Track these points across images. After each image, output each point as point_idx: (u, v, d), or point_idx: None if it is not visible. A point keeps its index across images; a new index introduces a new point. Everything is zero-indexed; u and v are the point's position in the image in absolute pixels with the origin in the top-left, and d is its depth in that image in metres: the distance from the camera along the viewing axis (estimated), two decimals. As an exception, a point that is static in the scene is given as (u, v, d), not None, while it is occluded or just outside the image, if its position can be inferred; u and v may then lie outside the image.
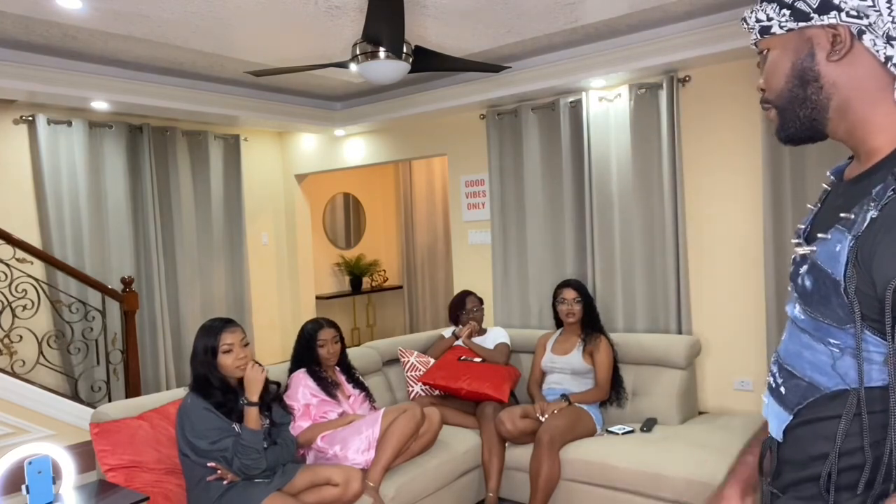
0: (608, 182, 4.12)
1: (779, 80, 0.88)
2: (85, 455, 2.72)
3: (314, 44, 3.67)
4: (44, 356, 4.18)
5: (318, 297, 6.39)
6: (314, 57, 3.82)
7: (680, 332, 3.86)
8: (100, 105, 4.33)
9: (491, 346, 3.99)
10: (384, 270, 7.37)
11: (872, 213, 0.78)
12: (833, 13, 0.80)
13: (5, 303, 4.00)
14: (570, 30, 3.64)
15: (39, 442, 2.67)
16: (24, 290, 4.09)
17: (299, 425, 3.03)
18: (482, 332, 4.12)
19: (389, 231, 7.58)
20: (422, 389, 3.90)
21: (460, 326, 4.08)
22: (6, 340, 4.01)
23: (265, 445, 2.52)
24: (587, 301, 3.74)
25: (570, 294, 3.70)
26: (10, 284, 4.03)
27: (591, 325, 3.71)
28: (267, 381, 2.67)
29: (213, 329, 2.60)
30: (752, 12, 0.91)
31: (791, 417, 0.90)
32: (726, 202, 3.77)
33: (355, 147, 5.64)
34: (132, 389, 4.32)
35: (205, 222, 5.39)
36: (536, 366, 3.81)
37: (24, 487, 2.23)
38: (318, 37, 3.56)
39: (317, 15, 3.25)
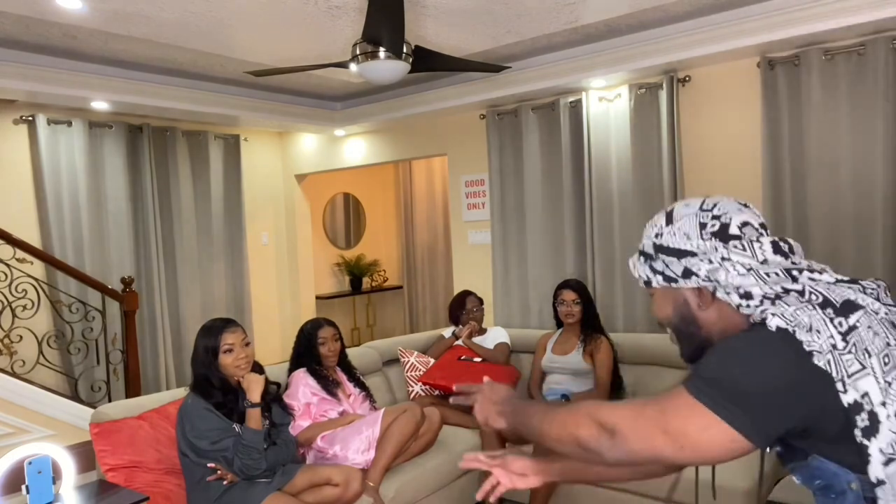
0: (608, 182, 4.12)
1: (666, 314, 1.16)
2: (85, 455, 2.71)
3: (314, 44, 3.67)
4: (44, 356, 4.18)
5: (318, 297, 6.39)
6: (314, 57, 3.82)
7: (680, 332, 3.85)
8: (100, 105, 4.33)
9: (491, 346, 3.99)
10: (384, 270, 7.37)
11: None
12: (693, 278, 1.07)
13: (5, 303, 4.00)
14: (570, 30, 3.64)
15: (39, 442, 2.67)
16: (24, 290, 4.09)
17: (299, 424, 3.03)
18: (482, 332, 4.12)
19: (389, 231, 7.58)
20: (422, 389, 3.90)
21: (460, 326, 4.08)
22: (6, 340, 4.01)
23: (265, 446, 2.52)
24: (587, 301, 3.74)
25: (569, 295, 3.70)
26: (10, 284, 4.03)
27: (591, 326, 3.71)
28: (267, 382, 2.67)
29: (214, 329, 2.60)
30: (633, 267, 1.19)
31: None
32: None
33: (355, 147, 5.64)
34: (132, 389, 4.32)
35: (205, 222, 5.39)
36: (536, 366, 3.81)
37: (24, 487, 2.23)
38: (318, 37, 3.56)
39: (317, 15, 3.25)
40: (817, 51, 3.34)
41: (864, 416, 0.92)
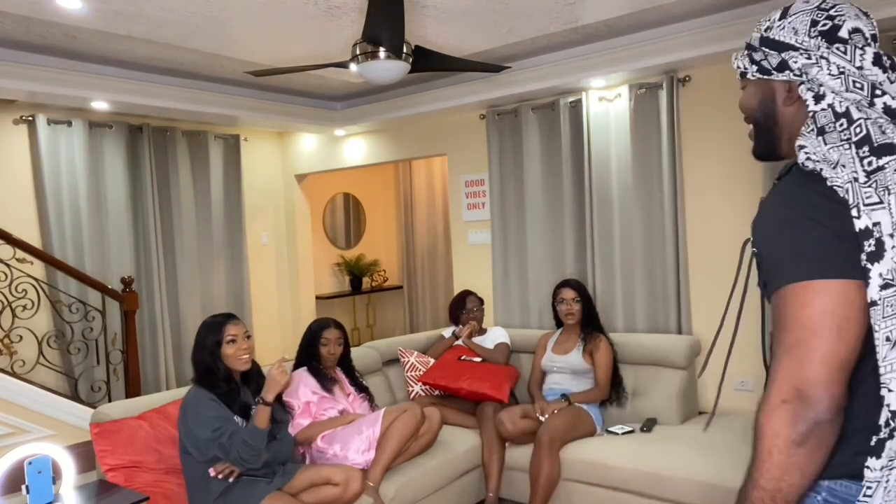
0: (608, 182, 4.12)
1: (751, 107, 1.22)
2: (85, 455, 2.72)
3: (314, 44, 3.67)
4: (44, 356, 4.18)
5: (318, 297, 6.39)
6: (314, 57, 3.82)
7: (680, 332, 3.86)
8: (100, 105, 4.33)
9: (491, 346, 3.99)
10: (384, 270, 7.37)
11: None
12: (787, 72, 1.11)
13: (5, 303, 4.00)
14: (570, 30, 3.64)
15: (39, 442, 2.67)
16: (24, 290, 4.09)
17: (299, 423, 3.04)
18: (482, 332, 4.12)
19: (389, 231, 7.58)
20: (422, 389, 3.90)
21: (460, 326, 4.08)
22: (6, 340, 4.01)
23: (266, 442, 2.53)
24: (586, 301, 3.74)
25: (569, 294, 3.70)
26: (10, 284, 4.03)
27: (590, 325, 3.71)
28: (261, 375, 2.71)
29: (217, 322, 2.66)
30: (734, 59, 1.23)
31: None
32: (726, 202, 3.77)
33: (355, 147, 5.64)
34: (132, 389, 4.33)
35: (205, 222, 5.39)
36: (536, 366, 3.81)
37: (24, 487, 2.23)
38: (318, 37, 3.56)
39: (317, 15, 3.25)
40: (817, 51, 3.33)
41: (872, 241, 0.97)
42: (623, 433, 3.40)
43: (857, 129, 1.02)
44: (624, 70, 3.81)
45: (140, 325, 4.75)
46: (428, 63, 3.14)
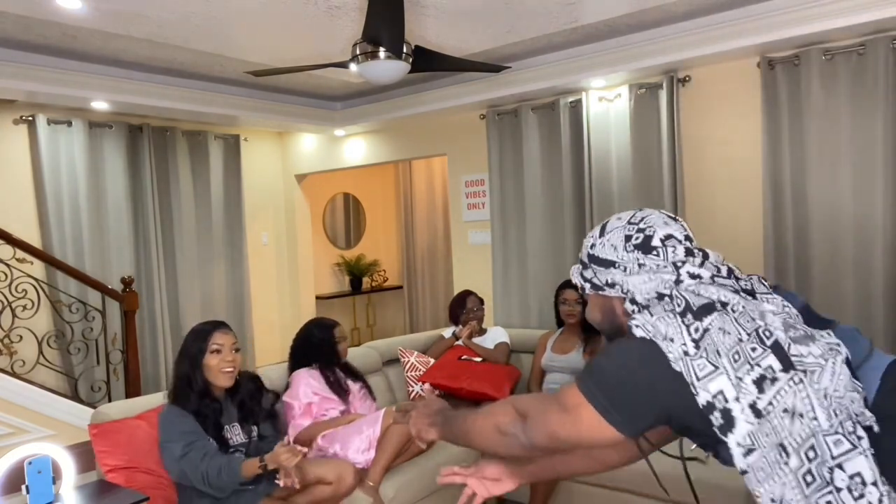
0: (608, 182, 4.12)
1: (596, 320, 1.30)
2: (85, 455, 2.71)
3: (314, 44, 3.67)
4: (44, 356, 4.18)
5: (318, 297, 6.39)
6: (314, 57, 3.82)
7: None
8: (100, 105, 4.33)
9: (491, 346, 3.99)
10: (384, 270, 7.37)
11: None
12: (616, 287, 1.20)
13: (5, 303, 4.00)
14: (570, 30, 3.64)
15: (39, 442, 2.67)
16: (24, 290, 4.09)
17: (300, 423, 3.03)
18: (482, 332, 4.12)
19: (389, 231, 7.58)
20: (422, 389, 3.90)
21: (460, 326, 4.08)
22: (6, 340, 4.01)
23: (241, 482, 2.42)
24: (588, 301, 3.74)
25: (571, 295, 3.70)
26: (10, 284, 4.03)
27: (591, 326, 3.70)
28: (263, 389, 2.66)
29: (205, 330, 2.54)
30: (572, 275, 1.31)
31: None
32: (726, 202, 3.77)
33: (355, 147, 5.64)
34: (132, 389, 4.33)
35: (205, 222, 5.39)
36: (536, 365, 3.81)
37: (24, 487, 2.22)
38: (318, 37, 3.56)
39: (317, 15, 3.25)
40: (817, 51, 3.34)
41: (718, 414, 1.01)
42: (623, 433, 3.39)
43: (678, 302, 1.09)
44: (624, 70, 3.81)
45: (140, 325, 4.75)
46: (428, 63, 3.14)
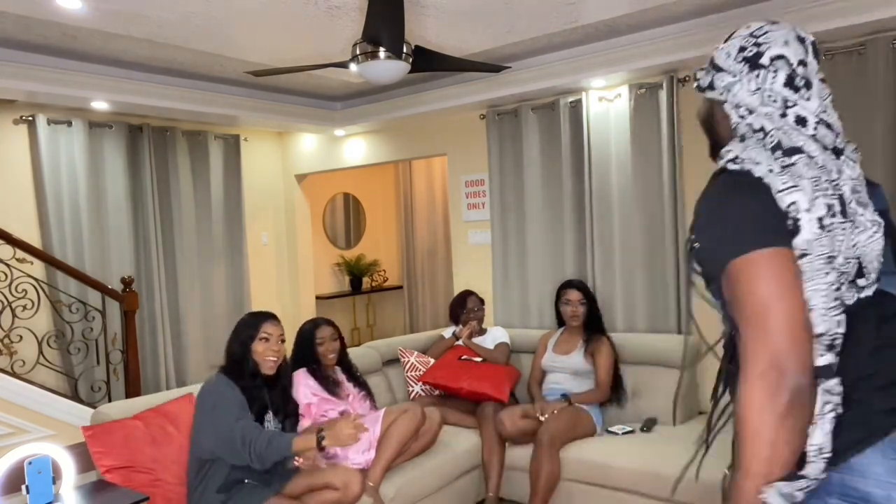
0: (608, 182, 4.12)
1: (700, 117, 1.37)
2: (85, 455, 2.71)
3: (314, 44, 3.67)
4: (44, 356, 4.18)
5: (318, 297, 6.39)
6: (314, 57, 3.82)
7: (680, 332, 3.86)
8: (100, 105, 4.33)
9: (491, 346, 3.99)
10: (384, 270, 7.37)
11: None
12: (714, 91, 1.27)
13: (5, 303, 4.00)
14: (570, 30, 3.64)
15: (39, 442, 2.67)
16: (24, 290, 4.09)
17: (300, 425, 3.03)
18: (482, 332, 4.12)
19: (389, 231, 7.58)
20: (422, 389, 3.90)
21: (460, 326, 4.08)
22: (6, 340, 4.01)
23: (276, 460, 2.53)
24: (591, 302, 3.74)
25: (574, 296, 3.70)
26: (10, 284, 4.03)
27: (593, 327, 3.71)
28: (287, 388, 2.78)
29: (255, 319, 2.74)
30: (696, 73, 1.37)
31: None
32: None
33: (355, 147, 5.64)
34: (132, 389, 4.32)
35: (205, 222, 5.39)
36: (537, 365, 3.81)
37: (24, 487, 2.23)
38: (318, 37, 3.56)
39: (317, 15, 3.25)
40: (817, 51, 3.33)
41: (790, 221, 1.05)
42: (623, 433, 3.40)
43: (770, 140, 1.12)
44: (624, 70, 3.81)
45: (140, 325, 4.75)
46: (428, 63, 3.14)
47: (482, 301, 4.21)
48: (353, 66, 3.01)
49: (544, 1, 3.20)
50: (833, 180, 1.09)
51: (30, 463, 2.23)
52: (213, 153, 5.45)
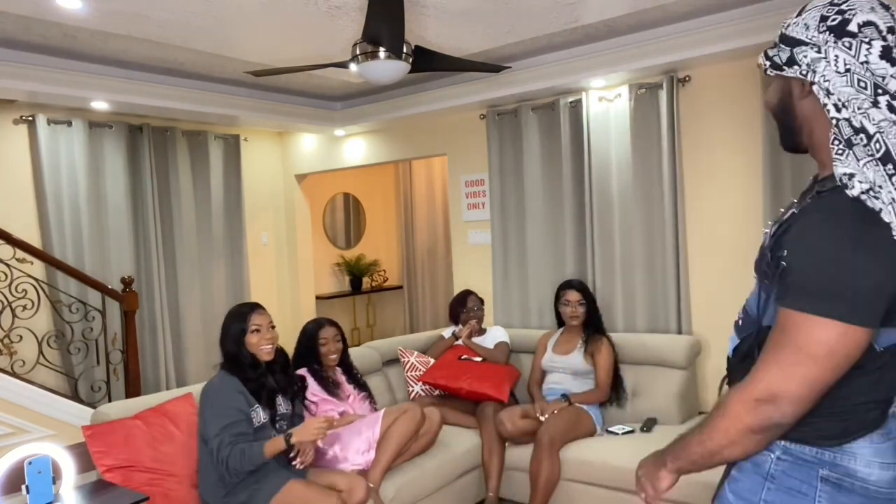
0: (608, 182, 4.12)
1: (772, 103, 1.23)
2: (85, 455, 2.71)
3: (314, 44, 3.67)
4: (44, 356, 4.18)
5: (318, 297, 6.39)
6: (314, 57, 3.82)
7: (680, 332, 3.86)
8: (100, 105, 4.33)
9: (491, 346, 3.99)
10: (384, 270, 7.37)
11: (795, 209, 1.14)
12: (795, 67, 1.12)
13: (5, 303, 4.00)
14: (570, 30, 3.64)
15: (39, 442, 2.67)
16: (24, 290, 4.09)
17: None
18: (482, 331, 4.12)
19: (389, 231, 7.58)
20: (422, 389, 3.90)
21: (460, 326, 4.08)
22: (6, 340, 4.01)
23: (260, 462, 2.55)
24: (590, 302, 3.74)
25: (573, 296, 3.70)
26: (10, 284, 4.03)
27: (593, 327, 3.71)
28: (287, 366, 2.83)
29: (242, 311, 2.73)
30: (761, 58, 1.23)
31: (739, 341, 1.26)
32: (726, 202, 3.77)
33: (355, 147, 5.64)
34: (132, 389, 4.32)
35: (205, 222, 5.39)
36: (537, 365, 3.81)
37: (24, 487, 2.23)
38: (318, 37, 3.56)
39: (317, 15, 3.25)
40: (817, 51, 3.33)
41: None
42: (623, 433, 3.40)
43: (877, 146, 1.01)
44: (624, 70, 3.81)
45: (140, 325, 4.75)
46: (428, 63, 3.14)
47: (482, 301, 4.21)
48: (353, 66, 3.01)
49: (544, 1, 3.20)
50: None
51: (30, 463, 2.23)
52: (213, 153, 5.45)
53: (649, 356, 3.72)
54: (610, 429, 3.46)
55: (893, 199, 0.98)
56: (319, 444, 2.97)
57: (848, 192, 1.01)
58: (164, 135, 5.13)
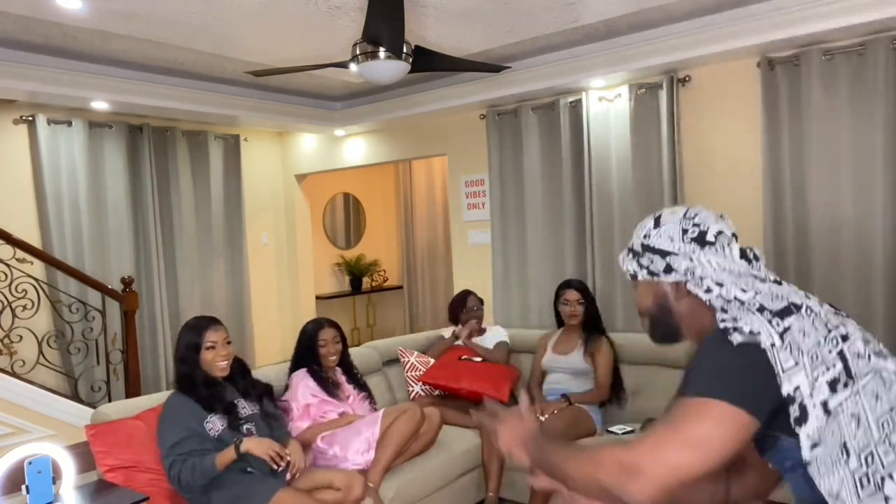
0: (608, 182, 4.12)
1: (645, 305, 1.35)
2: (85, 455, 2.71)
3: (314, 44, 3.67)
4: (44, 356, 4.18)
5: (318, 297, 6.39)
6: (314, 57, 3.82)
7: (680, 332, 3.85)
8: (100, 105, 4.33)
9: (491, 346, 3.99)
10: (384, 270, 7.37)
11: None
12: (673, 273, 1.27)
13: (5, 303, 4.00)
14: (570, 30, 3.64)
15: (39, 442, 2.67)
16: (24, 290, 4.09)
17: (298, 425, 3.03)
18: (482, 331, 4.12)
19: (389, 231, 7.58)
20: (422, 389, 3.90)
21: (460, 326, 4.08)
22: (6, 340, 4.01)
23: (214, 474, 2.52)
24: (590, 302, 3.74)
25: (573, 295, 3.70)
26: (10, 284, 4.03)
27: (592, 326, 3.71)
28: (248, 373, 2.79)
29: (198, 327, 2.67)
30: (622, 262, 1.38)
31: None
32: (726, 202, 3.77)
33: (355, 147, 5.64)
34: (132, 389, 4.32)
35: (205, 222, 5.39)
36: (537, 365, 3.81)
37: (24, 487, 2.23)
38: (318, 37, 3.56)
39: (317, 15, 3.25)
40: (817, 51, 3.33)
41: (796, 407, 1.08)
42: (623, 433, 3.39)
43: (754, 303, 1.16)
44: (624, 70, 3.81)
45: (140, 325, 4.75)
46: (428, 63, 3.14)
47: (482, 301, 4.21)
48: (353, 66, 3.01)
49: (544, 1, 3.20)
50: (830, 333, 1.13)
51: (30, 463, 2.23)
52: (213, 153, 5.45)
53: (649, 356, 3.72)
54: (610, 429, 3.46)
55: (772, 342, 1.09)
56: (319, 443, 2.98)
57: (719, 327, 1.15)
58: (164, 135, 5.13)
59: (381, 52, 2.88)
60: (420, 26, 3.43)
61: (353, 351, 3.62)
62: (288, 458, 2.53)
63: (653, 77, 3.89)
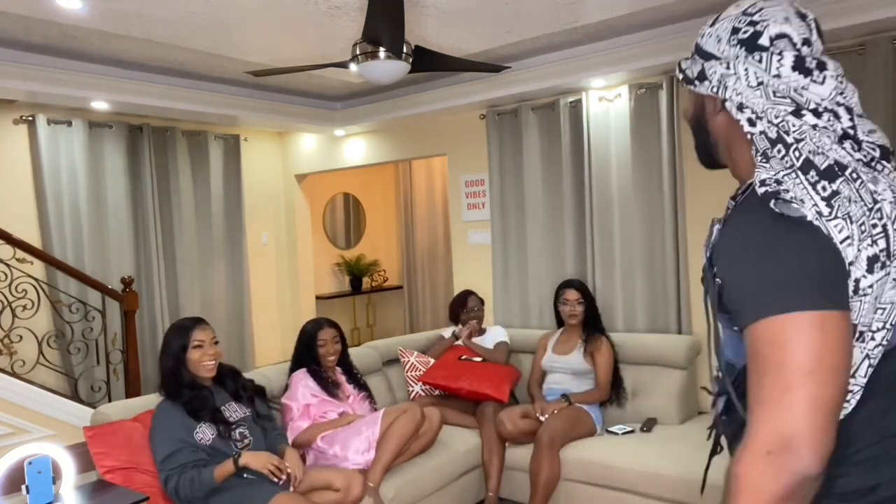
0: (608, 182, 4.12)
1: (687, 115, 1.19)
2: (85, 455, 2.71)
3: (314, 44, 3.67)
4: (44, 356, 4.18)
5: (318, 297, 6.39)
6: (314, 57, 3.82)
7: (680, 332, 3.86)
8: (100, 105, 4.33)
9: (490, 346, 4.00)
10: (384, 270, 7.37)
11: (718, 227, 1.09)
12: (706, 83, 1.07)
13: (5, 303, 4.00)
14: (570, 30, 3.64)
15: (39, 442, 2.67)
16: (24, 290, 4.09)
17: (298, 425, 3.03)
18: (482, 331, 4.12)
19: (389, 231, 7.58)
20: (422, 389, 3.90)
21: (460, 326, 4.08)
22: (6, 340, 4.01)
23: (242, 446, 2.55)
24: (589, 302, 3.74)
25: (572, 295, 3.70)
26: (10, 284, 4.03)
27: (592, 326, 3.71)
28: (239, 377, 2.77)
29: (185, 327, 2.66)
30: (677, 69, 1.19)
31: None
32: (727, 202, 3.77)
33: (355, 147, 5.64)
34: (132, 389, 4.32)
35: (205, 222, 5.39)
36: (537, 365, 3.81)
37: (24, 487, 2.23)
38: (318, 37, 3.56)
39: (317, 15, 3.25)
40: (817, 51, 3.33)
41: (851, 281, 0.91)
42: (623, 433, 3.40)
43: (796, 154, 0.93)
44: (624, 70, 3.81)
45: (140, 325, 4.75)
46: (428, 63, 3.14)
47: (482, 301, 4.21)
48: (353, 66, 3.01)
49: (544, 1, 3.20)
50: (873, 207, 0.91)
51: (30, 463, 2.23)
52: (213, 153, 5.45)
53: (649, 356, 3.72)
54: (610, 429, 3.46)
55: (819, 212, 0.88)
56: (319, 443, 2.98)
57: (758, 189, 0.93)
58: (164, 135, 5.12)
59: (381, 52, 2.88)
60: (420, 26, 3.43)
61: (353, 351, 3.62)
62: (288, 470, 2.53)
63: (653, 77, 3.89)
